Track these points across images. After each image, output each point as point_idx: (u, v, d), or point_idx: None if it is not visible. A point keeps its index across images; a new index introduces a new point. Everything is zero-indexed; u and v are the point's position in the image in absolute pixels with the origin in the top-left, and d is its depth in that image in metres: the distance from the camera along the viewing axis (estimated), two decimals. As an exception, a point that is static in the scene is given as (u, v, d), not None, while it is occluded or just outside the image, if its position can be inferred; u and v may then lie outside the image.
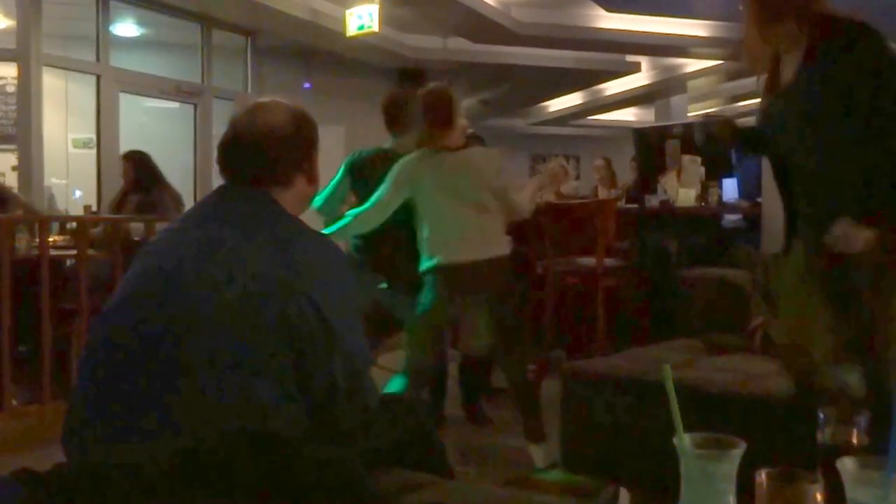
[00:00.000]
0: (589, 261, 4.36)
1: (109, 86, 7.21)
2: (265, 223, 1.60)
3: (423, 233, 3.28)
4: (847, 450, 1.10)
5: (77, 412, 1.52)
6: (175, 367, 1.44)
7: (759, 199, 4.77)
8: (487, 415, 4.16)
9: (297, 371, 1.47)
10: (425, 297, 3.24)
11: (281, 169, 1.68)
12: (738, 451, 0.95)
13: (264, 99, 1.79)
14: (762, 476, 0.95)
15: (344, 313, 1.56)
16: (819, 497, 0.93)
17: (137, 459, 1.37)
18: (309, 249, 1.58)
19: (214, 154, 1.74)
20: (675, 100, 11.30)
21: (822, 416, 1.18)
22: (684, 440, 0.99)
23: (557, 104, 13.47)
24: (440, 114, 3.29)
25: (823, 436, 1.17)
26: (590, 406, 3.02)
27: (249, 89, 8.65)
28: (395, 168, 3.30)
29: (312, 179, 1.76)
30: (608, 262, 4.39)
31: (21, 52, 6.40)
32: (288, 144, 1.70)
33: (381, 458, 1.62)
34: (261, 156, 1.67)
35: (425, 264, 3.25)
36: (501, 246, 3.33)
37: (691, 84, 10.87)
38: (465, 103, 6.58)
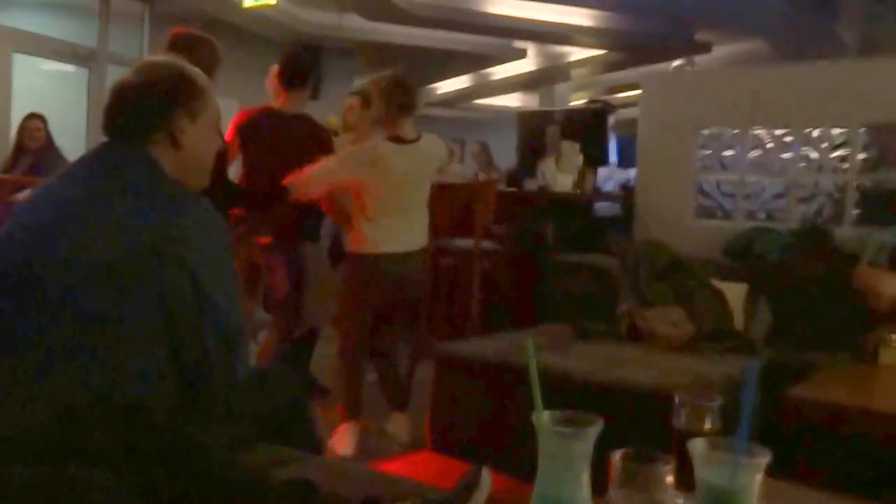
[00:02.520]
0: (466, 243, 4.37)
1: (2, 45, 6.98)
2: (141, 183, 1.54)
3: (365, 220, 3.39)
4: (700, 434, 1.13)
5: None
6: (42, 331, 1.39)
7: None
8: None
9: (168, 338, 1.44)
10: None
11: (156, 124, 1.60)
12: (594, 429, 0.96)
13: (155, 57, 1.75)
14: (617, 456, 0.97)
15: (219, 281, 1.53)
16: (670, 477, 0.95)
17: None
18: (185, 214, 1.53)
19: None
20: (559, 87, 11.54)
21: (677, 400, 1.22)
22: (543, 417, 1.00)
23: (446, 86, 13.50)
24: (408, 99, 3.39)
25: (678, 420, 1.20)
26: (459, 388, 3.03)
27: (146, 56, 8.39)
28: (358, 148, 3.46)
29: (176, 143, 1.62)
30: (485, 244, 4.42)
31: None
32: (166, 101, 1.62)
33: (251, 431, 1.61)
34: (135, 109, 1.61)
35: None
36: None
37: (574, 73, 11.10)
38: (360, 83, 6.54)
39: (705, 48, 9.06)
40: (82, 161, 1.65)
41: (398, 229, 3.41)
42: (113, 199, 1.49)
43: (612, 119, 5.81)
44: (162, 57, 1.74)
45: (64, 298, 1.40)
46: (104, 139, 1.65)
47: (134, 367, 1.40)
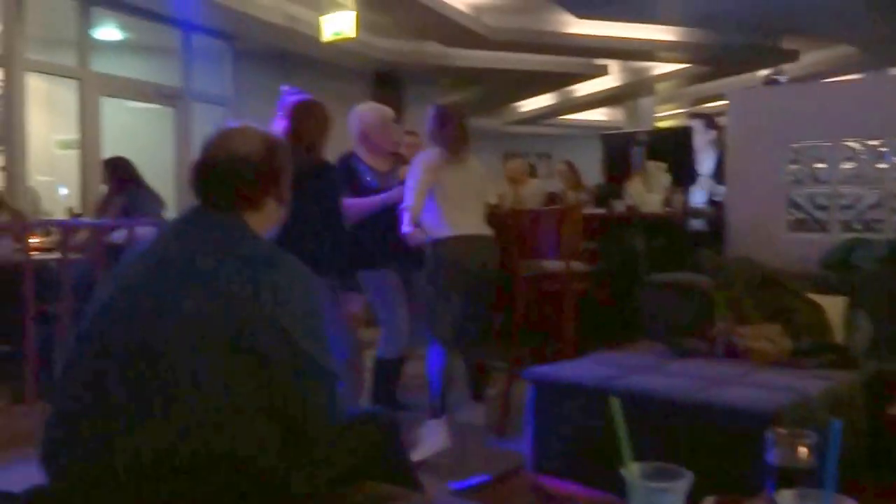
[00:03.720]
0: (556, 265, 4.43)
1: (91, 90, 7.25)
2: (235, 246, 1.64)
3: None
4: (795, 472, 1.15)
5: (54, 433, 1.55)
6: (146, 388, 1.47)
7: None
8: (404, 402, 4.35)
9: (266, 391, 1.50)
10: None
11: (252, 194, 1.74)
12: (684, 483, 0.98)
13: (236, 124, 1.85)
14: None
15: (311, 333, 1.60)
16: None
17: (111, 479, 1.42)
18: (278, 272, 1.61)
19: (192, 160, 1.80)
20: (643, 101, 11.50)
21: (770, 437, 1.21)
22: (632, 470, 1.02)
23: (529, 105, 13.61)
24: (463, 133, 3.90)
25: (772, 457, 1.20)
26: (557, 409, 3.06)
27: (229, 93, 8.68)
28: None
29: (282, 201, 1.83)
30: (575, 265, 4.47)
31: (6, 57, 6.43)
32: (260, 171, 1.76)
33: (351, 471, 1.66)
34: (233, 182, 1.73)
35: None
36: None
37: (658, 86, 11.05)
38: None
39: (792, 56, 8.89)
40: (179, 225, 1.77)
41: (460, 217, 3.85)
42: (210, 263, 1.58)
43: (712, 134, 5.66)
44: (245, 125, 1.85)
45: (164, 360, 1.49)
46: (186, 175, 1.78)
47: (235, 421, 1.47)
